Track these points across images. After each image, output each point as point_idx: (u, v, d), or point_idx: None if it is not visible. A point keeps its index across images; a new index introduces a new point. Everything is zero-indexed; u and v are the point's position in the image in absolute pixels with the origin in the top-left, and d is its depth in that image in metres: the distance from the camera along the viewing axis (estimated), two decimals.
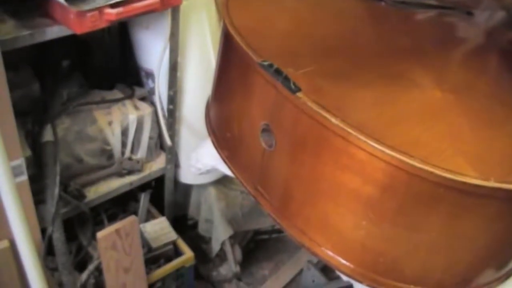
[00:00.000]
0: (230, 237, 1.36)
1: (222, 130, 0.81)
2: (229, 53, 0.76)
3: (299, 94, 0.62)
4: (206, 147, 0.97)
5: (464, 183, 0.57)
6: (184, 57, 1.17)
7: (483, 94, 0.75)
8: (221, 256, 1.43)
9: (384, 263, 0.65)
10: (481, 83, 0.79)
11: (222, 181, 1.32)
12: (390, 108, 0.67)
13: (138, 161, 1.23)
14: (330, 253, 0.68)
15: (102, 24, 0.88)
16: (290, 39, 0.78)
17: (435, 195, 0.59)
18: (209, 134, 0.84)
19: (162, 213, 1.34)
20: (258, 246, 1.59)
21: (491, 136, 0.66)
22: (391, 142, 0.58)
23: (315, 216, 0.67)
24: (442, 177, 0.56)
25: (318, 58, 0.72)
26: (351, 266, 0.67)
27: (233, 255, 1.40)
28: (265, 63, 0.66)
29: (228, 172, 0.83)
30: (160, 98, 1.19)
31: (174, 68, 1.14)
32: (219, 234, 1.35)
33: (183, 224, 1.44)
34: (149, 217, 1.32)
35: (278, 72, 0.64)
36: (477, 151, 0.62)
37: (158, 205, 1.35)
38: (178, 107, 1.21)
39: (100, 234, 1.07)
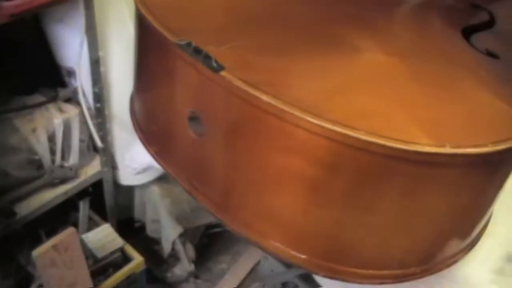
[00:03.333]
0: (181, 235, 1.29)
1: (148, 124, 0.73)
2: (145, 36, 0.68)
3: (222, 73, 0.55)
4: (138, 145, 0.89)
5: (418, 153, 0.51)
6: (106, 50, 1.08)
7: (430, 54, 0.69)
8: (174, 255, 1.36)
9: (339, 250, 0.60)
10: (427, 43, 0.73)
11: (165, 178, 1.24)
12: (331, 79, 0.61)
13: (71, 168, 1.13)
14: (279, 245, 0.61)
15: (3, 20, 0.79)
16: (214, 13, 0.70)
17: (387, 169, 0.53)
18: (136, 130, 0.76)
19: (105, 219, 1.26)
20: (212, 240, 1.52)
21: (444, 98, 0.60)
22: (334, 116, 0.52)
23: (258, 207, 0.60)
24: (392, 148, 0.50)
25: (247, 31, 0.65)
26: (303, 256, 0.61)
27: (186, 253, 1.33)
28: (182, 42, 0.58)
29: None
30: (85, 97, 1.09)
31: (96, 63, 1.04)
32: (168, 233, 1.28)
33: (130, 228, 1.35)
34: (92, 225, 1.24)
35: (197, 50, 0.57)
36: (431, 116, 0.56)
37: (100, 211, 1.26)
38: (106, 104, 1.12)
39: (35, 252, 0.99)
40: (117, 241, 1.17)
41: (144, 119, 0.75)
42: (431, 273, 0.65)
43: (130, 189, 1.28)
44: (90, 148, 1.18)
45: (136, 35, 0.72)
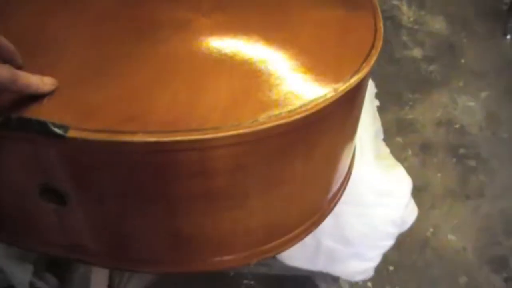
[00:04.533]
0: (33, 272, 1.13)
1: None
2: None
3: (71, 133, 0.44)
4: None
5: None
6: None
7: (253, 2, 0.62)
8: None
9: (271, 229, 0.57)
10: None
11: None
12: (175, 77, 0.51)
13: None
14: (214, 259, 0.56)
15: None
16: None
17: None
18: None
19: None
20: None
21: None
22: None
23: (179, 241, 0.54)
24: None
25: (54, 62, 0.52)
26: (232, 257, 0.57)
27: (49, 285, 1.18)
28: None
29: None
30: None
31: None
32: (21, 278, 1.11)
33: None
34: None
35: (22, 122, 0.44)
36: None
37: None
38: None
39: None
40: None
41: None
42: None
43: None
44: None
45: None
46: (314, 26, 0.58)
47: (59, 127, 0.44)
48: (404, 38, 1.93)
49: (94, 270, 1.31)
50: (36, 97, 0.47)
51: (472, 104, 1.74)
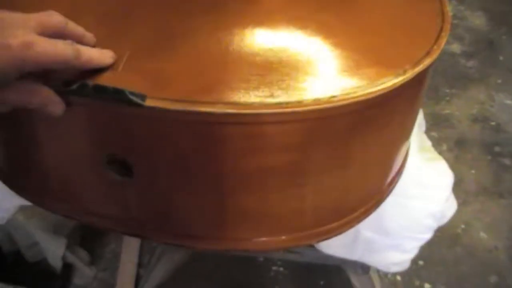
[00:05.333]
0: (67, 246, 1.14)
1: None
2: None
3: (148, 102, 0.43)
4: None
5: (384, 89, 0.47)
6: None
7: None
8: (68, 267, 1.21)
9: (328, 209, 0.56)
10: None
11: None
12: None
13: None
14: (265, 239, 0.56)
15: None
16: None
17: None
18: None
19: None
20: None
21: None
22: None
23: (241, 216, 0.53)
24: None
25: (118, 27, 0.51)
26: (287, 237, 0.57)
27: (81, 260, 1.19)
28: (74, 86, 0.44)
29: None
30: None
31: None
32: (54, 251, 1.12)
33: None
34: None
35: (99, 89, 0.43)
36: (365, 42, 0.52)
37: None
38: None
39: None
40: None
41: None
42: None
43: None
44: None
45: None
46: (385, 7, 0.57)
47: (136, 95, 0.43)
48: None
49: (124, 246, 1.32)
50: (111, 65, 0.46)
51: (509, 102, 1.71)
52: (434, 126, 1.61)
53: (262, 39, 0.50)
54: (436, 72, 1.78)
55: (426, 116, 1.69)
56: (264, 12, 0.53)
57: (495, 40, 1.91)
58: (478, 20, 1.98)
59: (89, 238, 1.34)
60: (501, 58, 1.85)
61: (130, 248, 1.34)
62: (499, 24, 1.96)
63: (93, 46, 0.48)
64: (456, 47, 1.86)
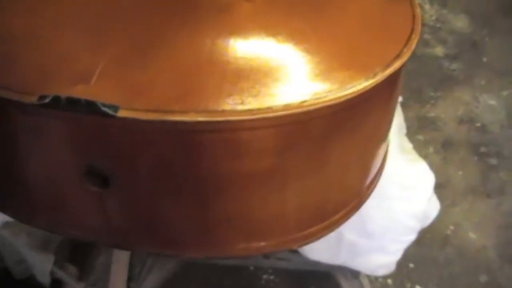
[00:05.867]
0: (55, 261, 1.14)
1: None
2: None
3: (121, 113, 0.44)
4: None
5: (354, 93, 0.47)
6: None
7: None
8: (57, 282, 1.20)
9: (309, 213, 0.57)
10: None
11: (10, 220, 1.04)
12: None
13: None
14: (244, 245, 0.56)
15: None
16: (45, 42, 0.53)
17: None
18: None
19: None
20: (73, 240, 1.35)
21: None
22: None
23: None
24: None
25: (98, 49, 0.52)
26: (268, 242, 0.57)
27: (69, 274, 1.18)
28: (46, 100, 0.44)
29: None
30: None
31: None
32: (42, 267, 1.11)
33: None
34: None
35: (72, 102, 0.44)
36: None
37: None
38: None
39: None
40: None
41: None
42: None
43: None
44: None
45: None
46: (356, 11, 0.58)
47: (109, 107, 0.44)
48: (426, 36, 1.91)
49: (114, 260, 1.31)
50: (84, 78, 0.47)
51: (493, 102, 1.72)
52: (420, 129, 1.62)
53: (233, 47, 0.50)
54: (420, 75, 1.79)
55: (411, 119, 1.72)
56: (236, 21, 0.54)
57: (478, 41, 1.93)
58: (460, 22, 1.99)
59: (78, 252, 1.33)
60: (484, 59, 1.87)
61: (120, 260, 1.34)
62: (481, 26, 1.98)
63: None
64: (439, 50, 1.87)
